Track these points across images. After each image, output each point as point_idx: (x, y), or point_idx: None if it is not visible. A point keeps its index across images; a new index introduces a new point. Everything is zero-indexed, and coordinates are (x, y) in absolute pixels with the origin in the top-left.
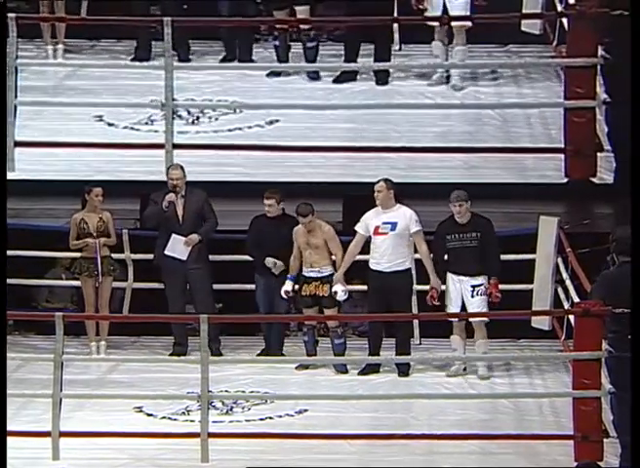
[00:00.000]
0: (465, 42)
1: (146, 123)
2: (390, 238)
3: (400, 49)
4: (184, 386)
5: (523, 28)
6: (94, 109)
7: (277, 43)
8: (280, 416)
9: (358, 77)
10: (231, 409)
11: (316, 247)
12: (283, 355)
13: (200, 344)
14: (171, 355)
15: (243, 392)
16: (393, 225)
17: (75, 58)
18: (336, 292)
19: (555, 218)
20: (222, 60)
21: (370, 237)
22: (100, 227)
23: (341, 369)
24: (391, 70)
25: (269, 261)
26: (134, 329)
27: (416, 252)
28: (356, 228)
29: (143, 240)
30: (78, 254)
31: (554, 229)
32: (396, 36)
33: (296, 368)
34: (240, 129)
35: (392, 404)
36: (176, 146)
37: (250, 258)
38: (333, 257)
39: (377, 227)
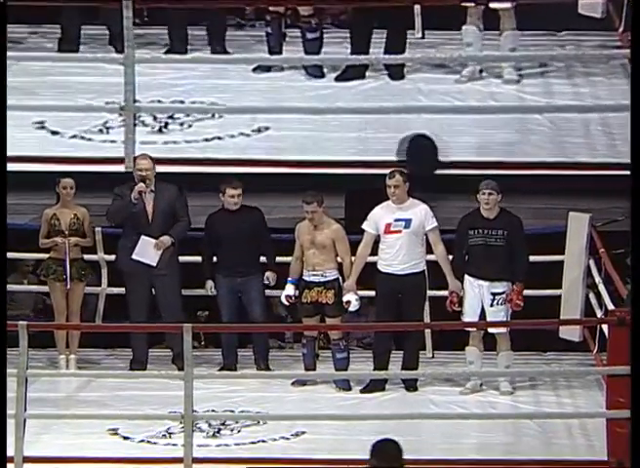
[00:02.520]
0: (515, 26)
1: (101, 131)
2: (404, 236)
3: (423, 37)
4: (165, 405)
5: (581, 11)
6: (33, 114)
7: (269, 30)
8: (274, 439)
9: (368, 73)
10: (219, 432)
11: (323, 246)
12: (269, 369)
13: (184, 358)
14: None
15: (232, 412)
16: (407, 222)
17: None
18: (348, 302)
19: (587, 215)
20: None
21: (378, 236)
22: (74, 225)
23: (344, 385)
24: (410, 63)
25: (207, 285)
26: (108, 340)
27: (429, 252)
28: (364, 227)
29: (118, 239)
30: (45, 255)
31: (585, 227)
32: (417, 21)
33: (292, 384)
34: (220, 138)
35: (401, 425)
36: None
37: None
38: (338, 259)
39: (388, 225)
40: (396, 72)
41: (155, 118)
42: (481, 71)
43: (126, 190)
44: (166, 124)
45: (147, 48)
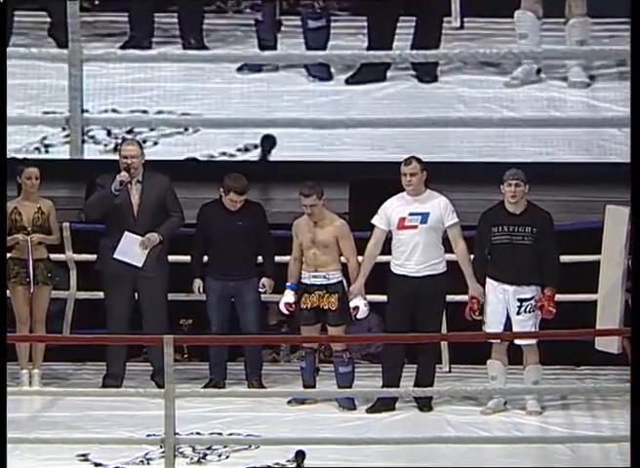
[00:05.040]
0: (585, 11)
1: (38, 149)
2: (420, 233)
3: (462, 26)
4: (143, 427)
5: None
6: None
7: (259, 17)
8: (268, 466)
9: (389, 73)
10: (204, 457)
11: (325, 245)
12: (263, 386)
13: (165, 373)
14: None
15: (219, 434)
16: (424, 216)
17: None
18: (356, 309)
19: (627, 208)
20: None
21: (391, 233)
22: (37, 220)
23: (347, 404)
24: (445, 61)
25: (195, 285)
26: (77, 352)
27: (448, 251)
28: (374, 222)
29: (90, 236)
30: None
31: (625, 222)
32: (455, 5)
33: (288, 402)
34: (195, 160)
35: (414, 449)
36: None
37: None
38: (342, 260)
39: (402, 219)
40: (427, 73)
41: (109, 133)
42: (539, 71)
43: (109, 180)
44: (124, 140)
45: (99, 41)
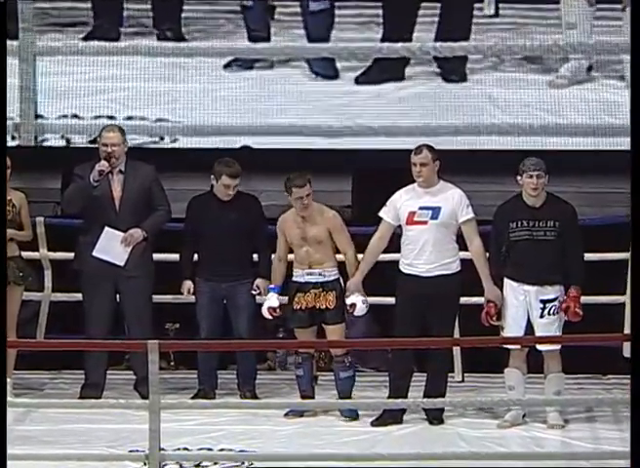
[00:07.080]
0: None
1: None
2: (430, 229)
3: (496, 14)
4: (125, 442)
5: None
6: None
7: (248, 2)
8: None
9: (408, 70)
10: None
11: (318, 241)
12: (257, 397)
13: (149, 382)
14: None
15: (209, 450)
16: (435, 211)
17: None
18: (353, 306)
19: None
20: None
21: (399, 228)
22: (8, 214)
23: (350, 413)
24: (475, 56)
25: (185, 287)
26: (53, 359)
27: (463, 248)
28: (382, 214)
29: (67, 232)
30: None
31: None
32: None
33: (285, 415)
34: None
35: (423, 465)
36: None
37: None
38: (339, 256)
39: (411, 214)
40: (454, 70)
41: (69, 143)
42: (590, 68)
43: (89, 170)
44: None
45: (57, 31)
